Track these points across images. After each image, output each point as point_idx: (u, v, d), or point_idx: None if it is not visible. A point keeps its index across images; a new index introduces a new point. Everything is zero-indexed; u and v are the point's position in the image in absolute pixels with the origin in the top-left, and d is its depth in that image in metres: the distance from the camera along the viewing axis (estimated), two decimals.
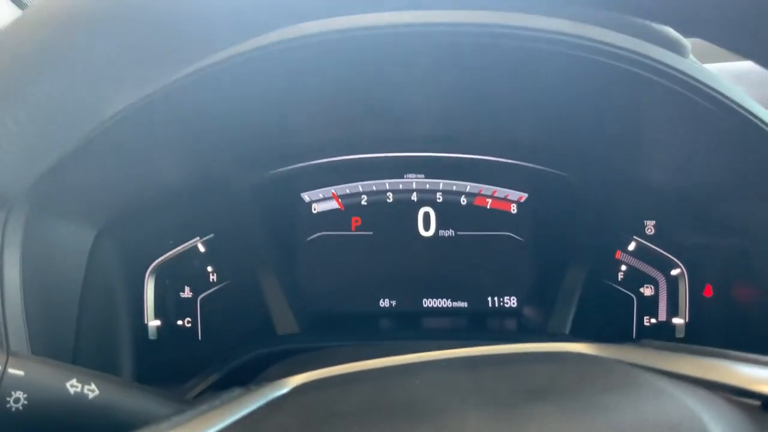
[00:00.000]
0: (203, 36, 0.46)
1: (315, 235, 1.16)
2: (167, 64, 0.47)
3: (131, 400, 0.63)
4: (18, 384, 0.57)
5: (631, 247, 1.11)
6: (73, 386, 0.60)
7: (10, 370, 0.57)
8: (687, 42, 0.80)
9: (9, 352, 0.59)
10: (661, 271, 1.10)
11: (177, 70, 0.49)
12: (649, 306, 1.11)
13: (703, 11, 0.41)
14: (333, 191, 1.16)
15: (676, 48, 0.78)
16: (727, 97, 0.76)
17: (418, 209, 1.17)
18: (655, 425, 0.42)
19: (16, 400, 0.56)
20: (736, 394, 0.48)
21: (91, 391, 0.61)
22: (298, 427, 0.48)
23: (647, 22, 0.76)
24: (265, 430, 0.48)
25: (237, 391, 0.58)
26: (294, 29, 0.74)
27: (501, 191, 1.16)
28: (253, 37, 0.49)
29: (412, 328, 1.14)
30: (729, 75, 1.04)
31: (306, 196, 1.16)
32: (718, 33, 0.43)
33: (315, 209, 1.16)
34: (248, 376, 0.77)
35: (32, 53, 0.40)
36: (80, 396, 0.60)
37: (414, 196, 1.17)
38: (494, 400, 0.49)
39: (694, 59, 0.82)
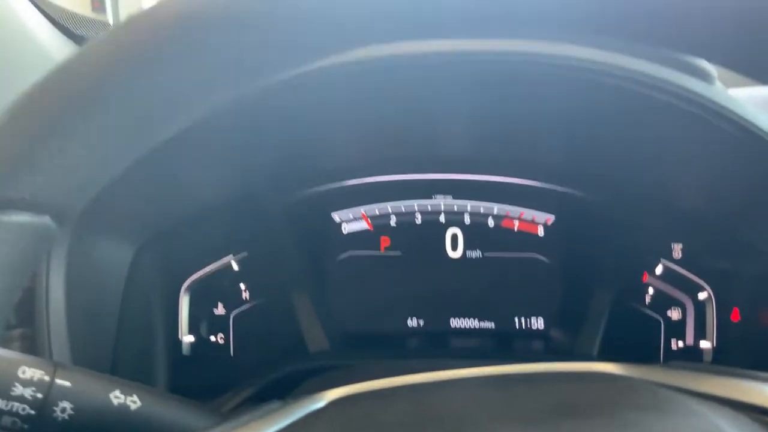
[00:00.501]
0: (246, 65, 0.49)
1: (345, 255, 1.18)
2: (214, 94, 0.50)
3: (172, 411, 0.65)
4: (65, 394, 0.59)
5: (659, 270, 1.11)
6: (116, 397, 0.62)
7: (58, 381, 0.59)
8: (713, 69, 0.81)
9: (57, 364, 0.61)
10: (688, 295, 1.10)
11: (221, 99, 0.52)
12: (677, 329, 1.11)
13: (726, 41, 0.42)
14: (362, 211, 1.18)
15: (703, 75, 0.79)
16: (754, 125, 0.77)
17: (446, 230, 1.18)
18: None
19: (63, 410, 0.58)
20: (765, 414, 0.49)
21: (134, 402, 0.63)
22: None
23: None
24: None
25: (276, 403, 0.60)
26: (329, 58, 0.77)
27: (528, 213, 1.17)
28: (293, 67, 0.51)
29: (440, 347, 1.15)
30: (755, 100, 1.05)
31: (336, 216, 1.18)
32: (741, 63, 0.44)
33: (345, 229, 1.18)
34: (281, 392, 0.78)
35: (99, 76, 0.43)
36: (123, 407, 0.62)
37: (442, 218, 1.18)
38: (526, 417, 0.50)
39: (721, 85, 0.83)
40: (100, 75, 0.42)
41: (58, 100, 0.42)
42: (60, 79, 0.42)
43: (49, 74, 0.41)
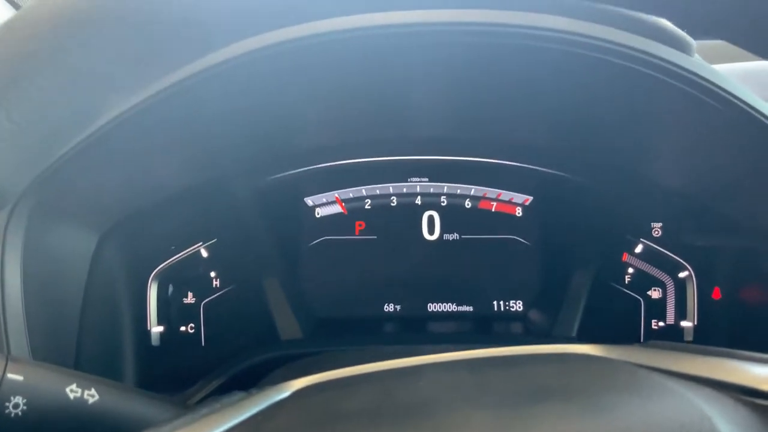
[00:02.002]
0: (201, 35, 0.46)
1: (318, 240, 1.15)
2: (164, 64, 0.47)
3: (132, 405, 0.63)
4: (17, 389, 0.56)
5: (638, 249, 1.10)
6: (72, 391, 0.59)
7: (10, 375, 0.56)
8: (692, 40, 0.79)
9: (8, 357, 0.58)
10: (668, 274, 1.09)
11: (174, 69, 0.49)
12: (657, 309, 1.10)
13: (725, 13, 0.40)
14: (336, 195, 1.15)
15: (682, 46, 0.77)
16: (734, 96, 0.75)
17: (423, 213, 1.16)
18: (664, 424, 0.41)
19: (16, 405, 0.56)
20: (745, 394, 0.47)
21: (91, 396, 0.60)
22: (300, 429, 0.48)
23: (653, 20, 0.75)
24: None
25: (238, 395, 0.58)
26: (296, 30, 0.74)
27: (506, 194, 1.15)
28: (252, 36, 0.48)
29: (417, 333, 1.13)
30: (733, 76, 1.03)
31: (309, 201, 1.15)
32: (740, 34, 0.42)
33: (318, 213, 1.15)
34: (251, 381, 0.76)
35: (28, 51, 0.40)
36: (80, 401, 0.59)
37: (418, 200, 1.16)
38: (499, 400, 0.48)
39: (700, 58, 0.81)
40: (28, 43, 0.39)
41: None
42: None
43: None
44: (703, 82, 0.75)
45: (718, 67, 0.95)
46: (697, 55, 0.81)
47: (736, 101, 0.75)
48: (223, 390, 0.94)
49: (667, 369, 0.53)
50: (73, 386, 0.59)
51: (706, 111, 0.78)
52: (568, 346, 0.61)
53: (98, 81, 0.43)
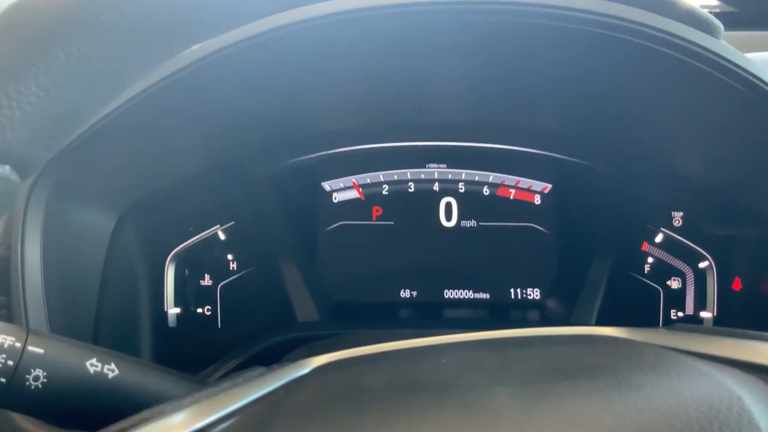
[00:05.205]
0: (216, 14, 0.46)
1: (335, 225, 1.15)
2: (180, 43, 0.47)
3: (151, 381, 0.63)
4: (38, 362, 0.56)
5: (658, 238, 1.08)
6: (92, 365, 0.59)
7: (30, 348, 0.56)
8: (719, 23, 0.77)
9: (29, 330, 0.58)
10: (688, 264, 1.08)
11: (189, 48, 0.49)
12: (676, 299, 1.08)
13: None
14: (354, 180, 1.15)
15: (708, 28, 0.76)
16: (760, 80, 0.74)
17: (440, 199, 1.15)
18: (694, 404, 0.40)
19: (36, 378, 0.56)
20: None
21: (111, 370, 0.60)
22: (321, 404, 0.47)
23: (679, 2, 0.74)
24: (288, 406, 0.47)
25: (259, 369, 0.58)
26: (313, 9, 0.73)
27: (524, 182, 1.15)
28: (268, 15, 0.48)
29: (433, 319, 1.13)
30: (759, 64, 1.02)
31: (326, 185, 1.15)
32: None
33: (335, 198, 1.15)
34: (268, 363, 0.76)
35: (58, 16, 0.40)
36: (100, 375, 0.59)
37: (436, 186, 1.15)
38: (524, 377, 0.47)
39: (725, 43, 0.79)
40: (53, 14, 0.39)
41: (11, 38, 0.39)
42: (13, 16, 0.39)
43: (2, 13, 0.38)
44: (728, 65, 0.74)
45: (748, 55, 0.93)
46: (723, 40, 0.79)
47: (762, 85, 0.74)
48: (240, 370, 0.94)
49: (693, 351, 0.52)
50: (93, 360, 0.60)
51: (731, 95, 0.76)
52: (592, 328, 0.61)
53: (127, 49, 0.43)
